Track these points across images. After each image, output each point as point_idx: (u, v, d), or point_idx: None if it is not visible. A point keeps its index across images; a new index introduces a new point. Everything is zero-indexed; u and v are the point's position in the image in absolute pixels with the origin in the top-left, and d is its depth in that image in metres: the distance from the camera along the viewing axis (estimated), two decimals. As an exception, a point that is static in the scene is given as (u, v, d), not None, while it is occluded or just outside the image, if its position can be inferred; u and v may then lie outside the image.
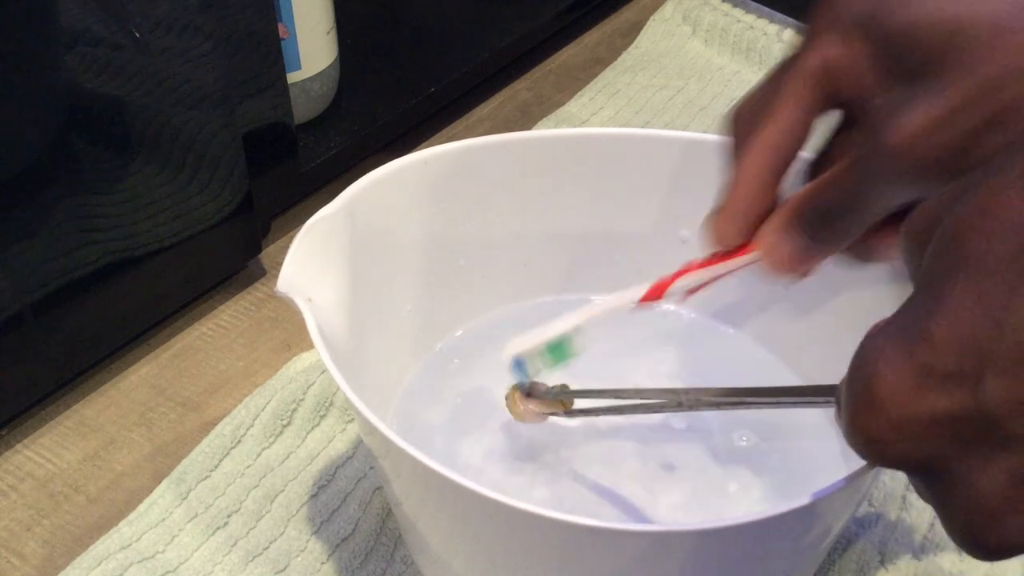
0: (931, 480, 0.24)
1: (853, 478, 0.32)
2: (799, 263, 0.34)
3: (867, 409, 0.23)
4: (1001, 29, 0.29)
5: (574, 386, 0.41)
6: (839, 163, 0.32)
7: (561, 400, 0.40)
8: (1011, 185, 0.22)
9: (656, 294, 0.38)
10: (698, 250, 0.48)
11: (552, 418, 0.41)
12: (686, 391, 0.37)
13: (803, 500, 0.31)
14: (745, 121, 0.35)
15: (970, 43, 0.29)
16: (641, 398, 0.39)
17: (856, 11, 0.32)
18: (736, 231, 0.35)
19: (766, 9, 0.76)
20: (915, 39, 0.30)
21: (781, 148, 0.33)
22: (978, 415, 0.22)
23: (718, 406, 0.37)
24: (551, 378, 0.41)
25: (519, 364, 0.40)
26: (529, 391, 0.41)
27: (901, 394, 0.23)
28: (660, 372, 0.48)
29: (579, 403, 0.41)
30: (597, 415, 0.42)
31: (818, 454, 0.43)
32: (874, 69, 0.31)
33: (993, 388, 0.21)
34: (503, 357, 0.39)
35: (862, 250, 0.34)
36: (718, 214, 0.35)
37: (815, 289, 0.45)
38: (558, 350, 0.40)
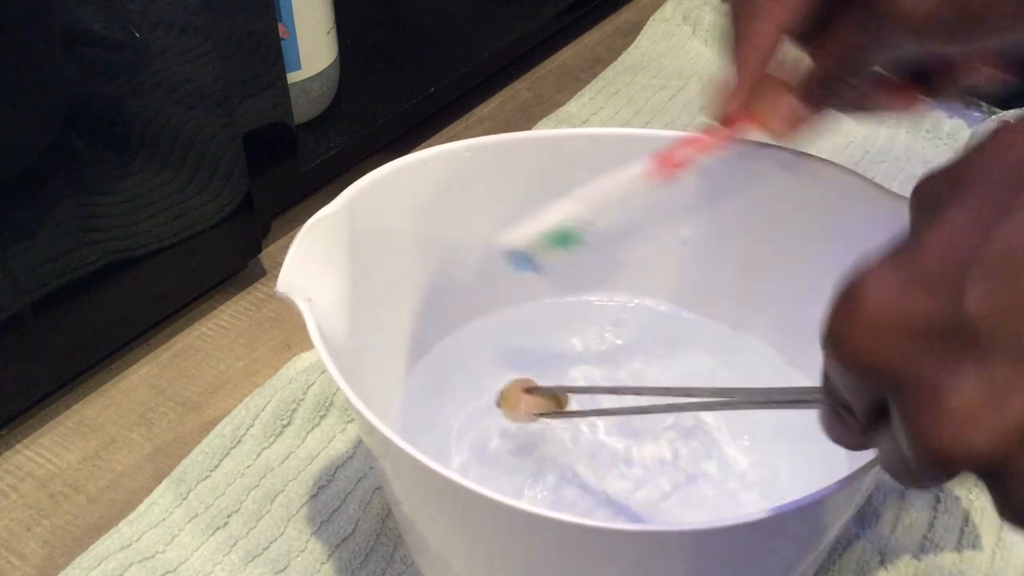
0: (899, 393, 0.23)
1: (853, 478, 0.32)
2: (801, 122, 0.38)
3: (847, 313, 0.23)
4: None
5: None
6: (843, 28, 0.35)
7: (557, 397, 0.40)
8: (1010, 129, 0.23)
9: (667, 165, 0.40)
10: (697, 250, 0.48)
11: (542, 420, 0.41)
12: (679, 389, 0.37)
13: (803, 500, 0.31)
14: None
15: None
16: (637, 395, 0.39)
17: None
18: (744, 99, 0.38)
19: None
20: None
21: (776, 24, 0.36)
22: (957, 320, 0.22)
23: (711, 407, 0.37)
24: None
25: (521, 258, 0.39)
26: (528, 388, 0.40)
27: (883, 297, 0.23)
28: (655, 373, 0.48)
29: (572, 406, 0.41)
30: (588, 416, 0.42)
31: (818, 455, 0.43)
32: None
33: (974, 293, 0.22)
34: (500, 248, 0.39)
35: (861, 103, 0.38)
36: (732, 86, 0.38)
37: (819, 285, 0.45)
38: (566, 237, 0.39)
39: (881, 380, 0.23)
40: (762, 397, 0.35)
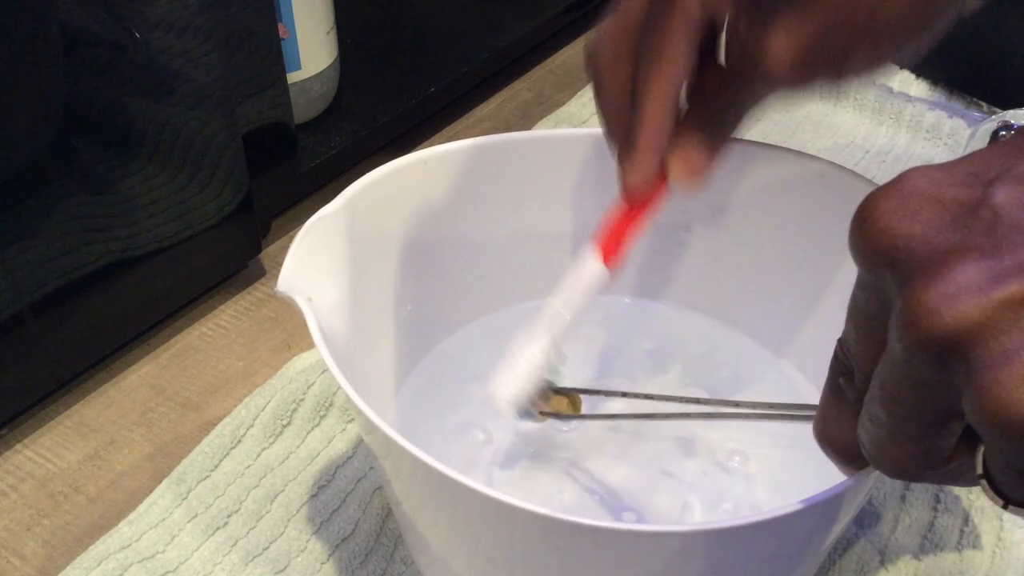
0: (909, 268, 0.24)
1: (854, 480, 0.32)
2: (707, 171, 0.38)
3: (884, 190, 0.25)
4: None
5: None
6: (721, 80, 0.36)
7: (572, 398, 0.40)
8: None
9: (615, 259, 0.39)
10: (696, 250, 0.48)
11: (550, 420, 0.41)
12: (689, 400, 0.37)
13: (804, 502, 0.31)
14: (617, 59, 0.37)
15: None
16: (648, 399, 0.39)
17: None
18: (655, 173, 0.38)
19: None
20: None
21: (678, 88, 0.36)
22: (981, 206, 0.23)
23: (715, 417, 0.37)
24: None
25: (522, 410, 0.39)
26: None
27: (920, 180, 0.24)
28: (656, 373, 0.48)
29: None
30: (594, 419, 0.42)
31: (819, 457, 0.43)
32: None
33: (1003, 189, 0.23)
34: (498, 406, 0.38)
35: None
36: (634, 165, 0.37)
37: (818, 286, 0.45)
38: (551, 374, 0.39)
39: (898, 253, 0.24)
40: (766, 409, 0.36)
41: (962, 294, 0.22)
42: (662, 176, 0.38)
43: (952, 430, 0.25)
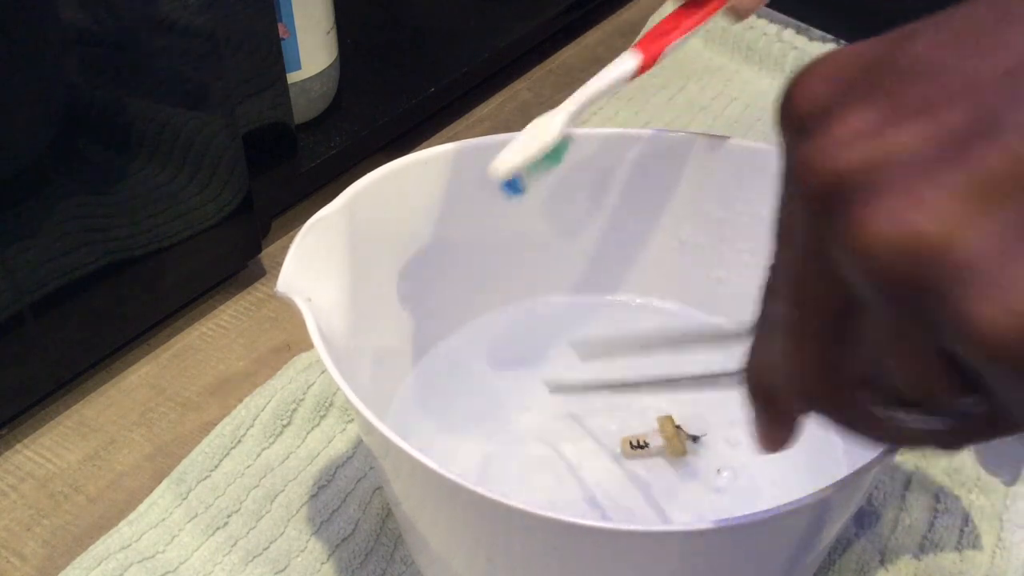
0: (809, 129, 0.23)
1: (852, 478, 0.32)
2: None
3: (812, 61, 0.23)
4: None
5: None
6: None
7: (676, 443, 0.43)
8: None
9: (651, 60, 0.40)
10: (696, 250, 0.48)
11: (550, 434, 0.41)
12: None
13: (803, 500, 0.31)
14: None
15: None
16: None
17: None
18: None
19: (766, 9, 0.76)
20: None
21: None
22: (896, 55, 0.22)
23: (704, 386, 0.37)
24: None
25: (511, 184, 0.38)
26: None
27: (851, 47, 0.23)
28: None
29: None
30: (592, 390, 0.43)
31: (817, 456, 0.43)
32: None
33: (922, 35, 0.22)
34: (491, 175, 0.38)
35: None
36: None
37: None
38: (556, 153, 0.39)
39: (810, 117, 0.23)
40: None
41: (852, 138, 0.22)
42: None
43: (854, 333, 0.24)
